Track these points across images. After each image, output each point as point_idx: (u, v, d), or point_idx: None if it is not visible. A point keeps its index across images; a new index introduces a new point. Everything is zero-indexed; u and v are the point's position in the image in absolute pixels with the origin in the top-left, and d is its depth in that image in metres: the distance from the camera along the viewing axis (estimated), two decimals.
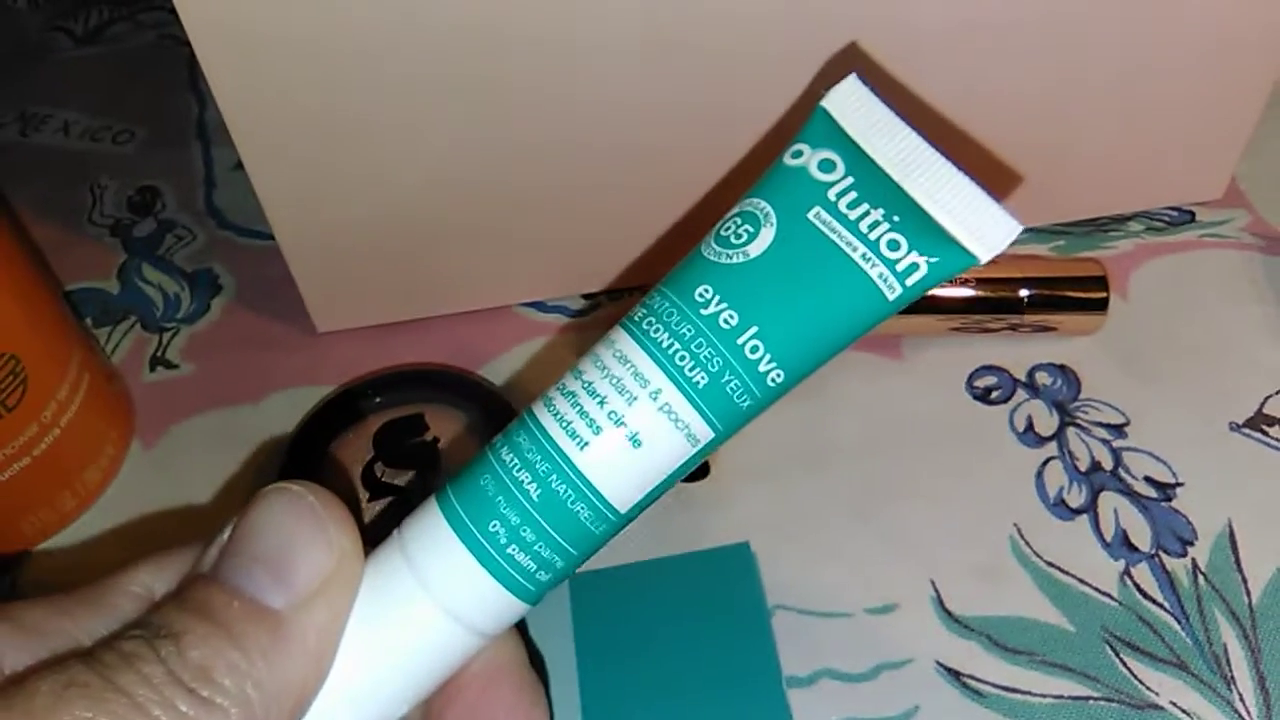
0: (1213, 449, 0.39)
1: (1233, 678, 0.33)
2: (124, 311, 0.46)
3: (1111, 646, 0.34)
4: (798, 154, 0.25)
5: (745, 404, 0.24)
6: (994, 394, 0.41)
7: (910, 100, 0.38)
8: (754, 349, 0.24)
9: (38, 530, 0.38)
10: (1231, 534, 0.36)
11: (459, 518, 0.23)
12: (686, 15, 0.35)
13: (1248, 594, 0.35)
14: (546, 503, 0.23)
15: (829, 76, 0.36)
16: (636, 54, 0.36)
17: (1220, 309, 0.43)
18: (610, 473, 0.24)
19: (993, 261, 0.23)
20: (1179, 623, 0.34)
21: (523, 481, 0.23)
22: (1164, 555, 0.36)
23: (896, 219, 0.23)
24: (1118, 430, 0.39)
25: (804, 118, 0.26)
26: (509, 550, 0.23)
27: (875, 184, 0.24)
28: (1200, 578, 0.35)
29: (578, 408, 0.24)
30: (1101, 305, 0.41)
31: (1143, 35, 0.39)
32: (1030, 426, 0.40)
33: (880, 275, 0.24)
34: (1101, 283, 0.41)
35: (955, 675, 0.34)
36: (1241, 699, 0.33)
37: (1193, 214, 0.46)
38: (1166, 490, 0.38)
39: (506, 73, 0.36)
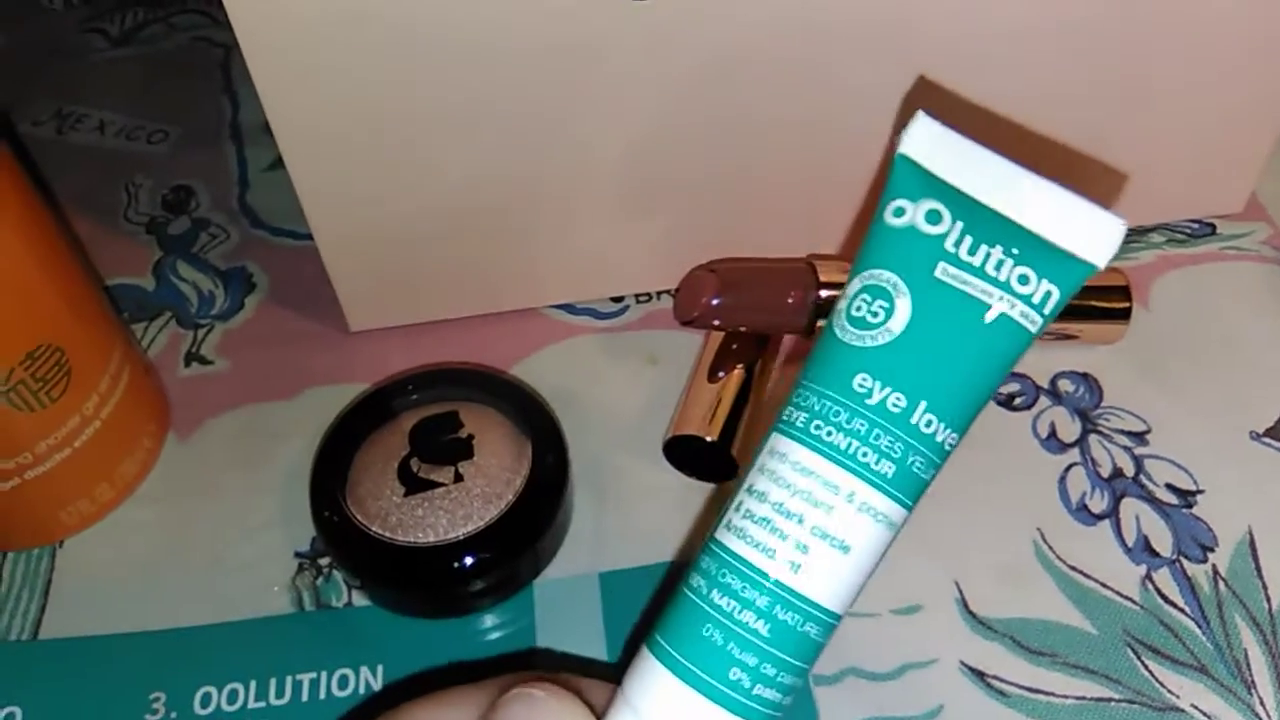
0: (1233, 457, 0.39)
1: (1253, 682, 0.34)
2: (159, 308, 0.46)
3: (1133, 649, 0.35)
4: (899, 212, 0.24)
5: (929, 475, 0.24)
6: (1017, 400, 0.41)
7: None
8: (928, 424, 0.23)
9: (76, 520, 0.39)
10: (1252, 541, 0.37)
11: (697, 676, 0.23)
12: (724, 27, 0.35)
13: (1268, 600, 0.35)
14: (778, 635, 0.23)
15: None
16: (674, 63, 0.36)
17: (1240, 320, 0.43)
18: (828, 585, 0.23)
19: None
20: (1200, 627, 0.35)
21: (748, 623, 0.23)
22: (1185, 561, 0.37)
23: (1016, 252, 0.23)
24: (1139, 438, 0.40)
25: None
26: (755, 691, 0.23)
27: (983, 221, 0.24)
28: (1221, 583, 0.36)
29: (778, 532, 0.23)
30: (1124, 315, 0.41)
31: (1164, 50, 0.39)
32: (1053, 433, 0.40)
33: (1021, 314, 0.24)
34: (1125, 292, 0.41)
35: (979, 676, 0.34)
36: (1262, 703, 0.33)
37: (1213, 226, 0.47)
38: (1187, 497, 0.38)
39: (544, 77, 0.36)
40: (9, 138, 0.34)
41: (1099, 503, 0.38)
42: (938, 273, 0.24)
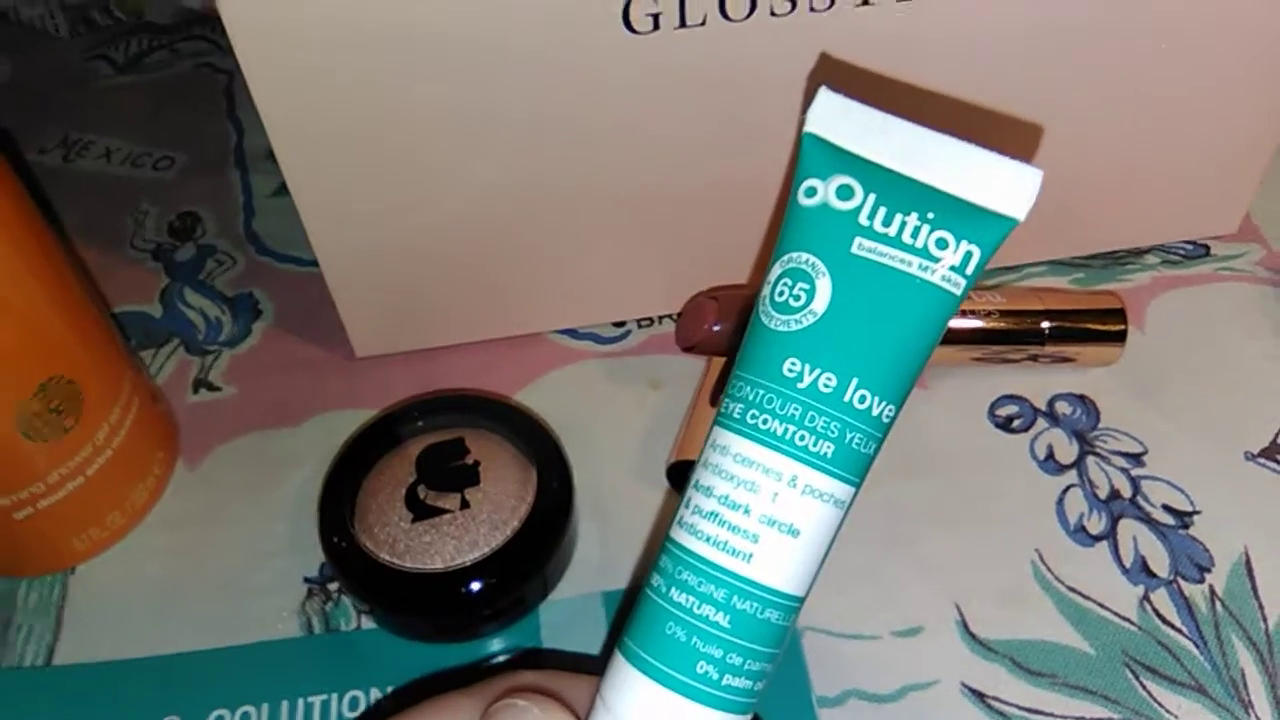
0: (1229, 478, 0.40)
1: (1250, 702, 0.34)
2: (167, 334, 0.47)
3: (1131, 670, 0.35)
4: (811, 191, 0.24)
5: (871, 449, 0.24)
6: (1015, 423, 0.42)
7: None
8: (862, 399, 0.24)
9: (88, 547, 0.39)
10: (1248, 561, 0.37)
11: (665, 674, 0.24)
12: (729, 53, 0.36)
13: (1264, 620, 0.36)
14: (739, 625, 0.24)
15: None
16: (678, 91, 0.37)
17: (1235, 341, 0.44)
18: (782, 570, 0.24)
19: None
20: (1197, 648, 0.35)
21: (709, 616, 0.23)
22: (1182, 581, 0.37)
23: (931, 215, 0.23)
24: (1136, 459, 0.40)
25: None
26: (724, 682, 0.24)
27: (896, 189, 0.24)
28: (1218, 604, 0.36)
29: (726, 525, 0.24)
30: (1120, 337, 0.42)
31: (1158, 71, 0.40)
32: (1051, 455, 0.41)
33: (943, 277, 0.24)
34: (1120, 315, 0.42)
35: (980, 697, 0.35)
36: None
37: (1208, 248, 0.47)
38: (1184, 518, 0.39)
39: (547, 106, 0.37)
40: (15, 165, 0.35)
41: (1097, 524, 0.39)
42: (854, 248, 0.24)
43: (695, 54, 0.36)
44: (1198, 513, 0.39)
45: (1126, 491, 0.39)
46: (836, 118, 0.24)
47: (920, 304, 0.24)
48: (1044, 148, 0.41)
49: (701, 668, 0.24)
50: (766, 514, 0.24)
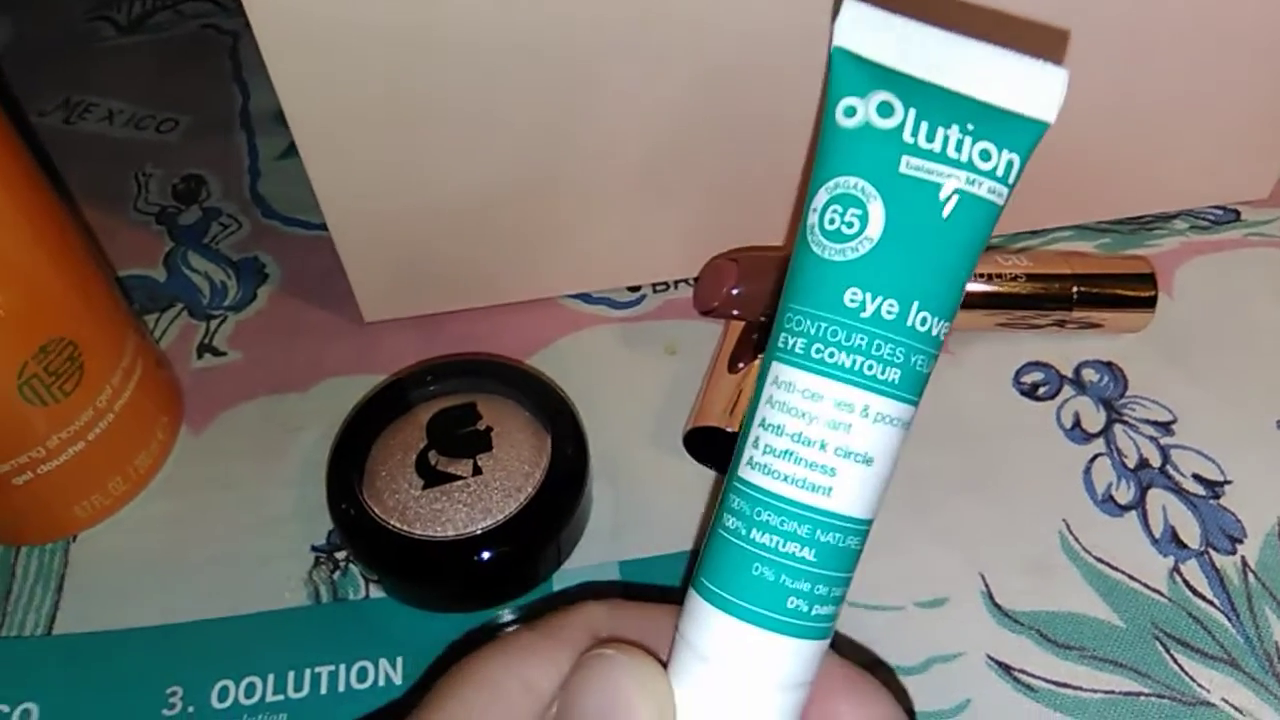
0: (1260, 447, 0.39)
1: None
2: (171, 299, 0.46)
3: (1161, 643, 0.34)
4: (850, 111, 0.23)
5: (929, 368, 0.24)
6: (1041, 390, 0.41)
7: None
8: (923, 322, 0.23)
9: (90, 514, 0.38)
10: None
11: (757, 614, 0.23)
12: (746, 17, 0.35)
13: None
14: (825, 557, 0.23)
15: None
16: (686, 50, 0.36)
17: (1266, 308, 0.43)
18: (860, 498, 0.23)
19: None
20: (1229, 620, 0.34)
21: (795, 553, 0.23)
22: (1213, 552, 0.36)
23: (971, 127, 0.23)
24: (1165, 428, 0.39)
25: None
26: (814, 612, 0.24)
27: (933, 101, 0.23)
28: (1250, 575, 0.35)
29: (803, 462, 0.23)
30: (1149, 303, 0.41)
31: (1190, 35, 0.39)
32: (1078, 423, 0.40)
33: (989, 190, 0.23)
34: (1150, 280, 0.41)
35: (1006, 669, 0.34)
36: None
37: (1238, 213, 0.46)
38: (1215, 488, 0.38)
39: (559, 68, 0.36)
40: (18, 126, 0.34)
41: (1125, 494, 0.38)
42: (903, 168, 0.23)
43: (715, 13, 0.35)
44: (1229, 482, 0.38)
45: (1156, 460, 0.38)
46: (864, 29, 0.24)
47: (970, 219, 0.23)
48: (1071, 109, 0.39)
49: (792, 603, 0.23)
50: (842, 446, 0.23)
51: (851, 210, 0.23)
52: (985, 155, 0.23)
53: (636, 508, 0.38)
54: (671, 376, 0.42)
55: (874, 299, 0.23)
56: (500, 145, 0.38)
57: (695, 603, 0.24)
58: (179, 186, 0.50)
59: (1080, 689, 0.33)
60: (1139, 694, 0.33)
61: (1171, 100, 0.41)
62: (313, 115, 0.36)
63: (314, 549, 0.38)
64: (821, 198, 0.24)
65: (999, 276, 0.40)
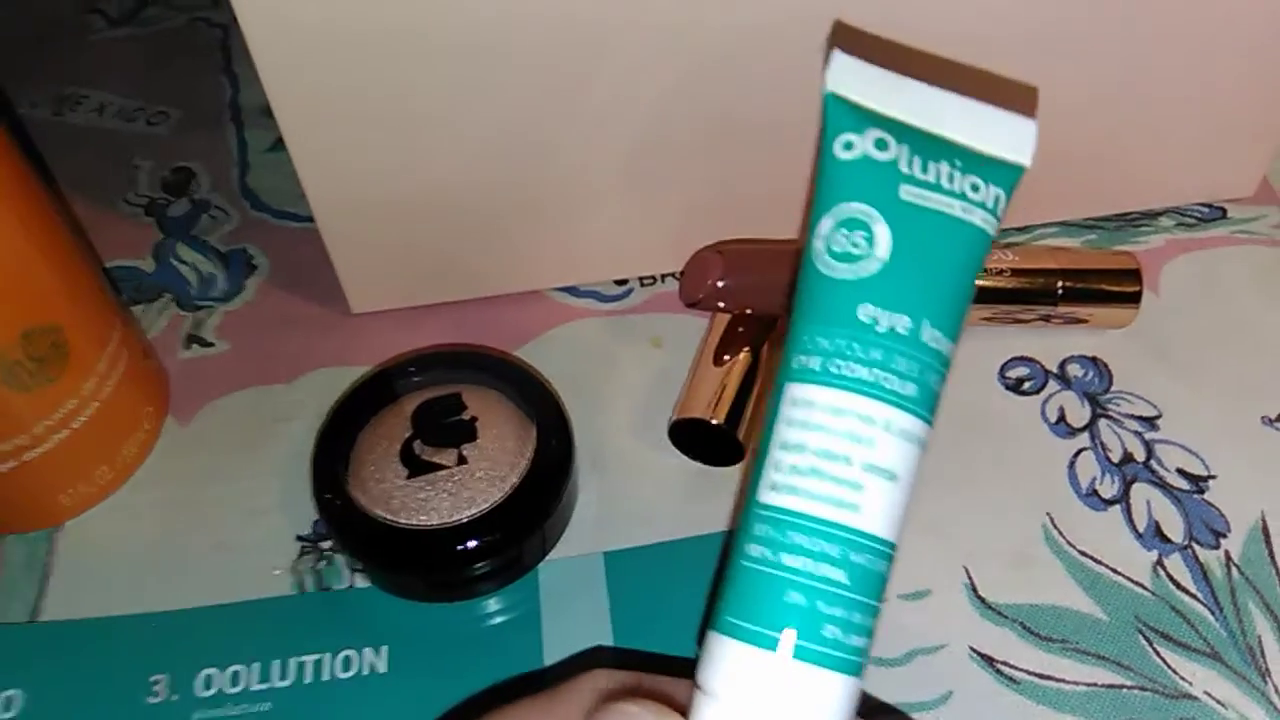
0: (1244, 442, 0.39)
1: (1268, 669, 0.33)
2: (159, 289, 0.46)
3: (1145, 636, 0.34)
4: (848, 145, 0.25)
5: (941, 386, 0.24)
6: (1026, 385, 0.41)
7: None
8: (934, 338, 0.24)
9: (75, 503, 0.38)
10: (1265, 526, 0.36)
11: (798, 646, 0.22)
12: (732, 10, 0.35)
13: None
14: (858, 579, 0.23)
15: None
16: (672, 44, 0.36)
17: (1251, 305, 0.43)
18: (886, 517, 0.23)
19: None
20: (1213, 614, 0.35)
21: (829, 575, 0.23)
22: (1197, 546, 0.36)
23: (958, 163, 0.25)
24: (1149, 423, 0.39)
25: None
26: (850, 642, 0.23)
27: (920, 142, 0.25)
28: (1234, 569, 0.36)
29: (830, 478, 0.23)
30: (1135, 299, 0.41)
31: (1177, 32, 0.39)
32: (1062, 417, 0.40)
33: (982, 219, 0.25)
34: (1136, 276, 0.41)
35: (989, 662, 0.34)
36: (1277, 690, 0.33)
37: (1224, 210, 0.46)
38: (1199, 482, 0.38)
39: (546, 59, 0.36)
40: (6, 116, 0.34)
41: (1109, 488, 0.38)
42: (903, 194, 0.24)
43: (702, 6, 0.35)
44: (1213, 477, 0.38)
45: (1140, 455, 0.39)
46: (853, 78, 0.25)
47: (966, 244, 0.25)
48: (1057, 106, 0.39)
49: (829, 631, 0.23)
50: (867, 461, 0.23)
51: (858, 233, 0.24)
52: (975, 188, 0.25)
53: (621, 499, 0.38)
54: (657, 369, 0.42)
55: (887, 315, 0.24)
56: (488, 138, 0.38)
57: (720, 645, 0.23)
58: (168, 179, 0.50)
59: (1063, 681, 0.33)
60: (1122, 687, 0.33)
61: (1158, 97, 0.41)
62: (299, 109, 0.36)
63: (299, 539, 0.38)
64: (827, 223, 0.25)
65: (985, 271, 0.40)
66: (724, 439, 0.37)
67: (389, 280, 0.43)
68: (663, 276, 0.45)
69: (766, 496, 0.24)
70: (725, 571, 0.24)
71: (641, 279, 0.45)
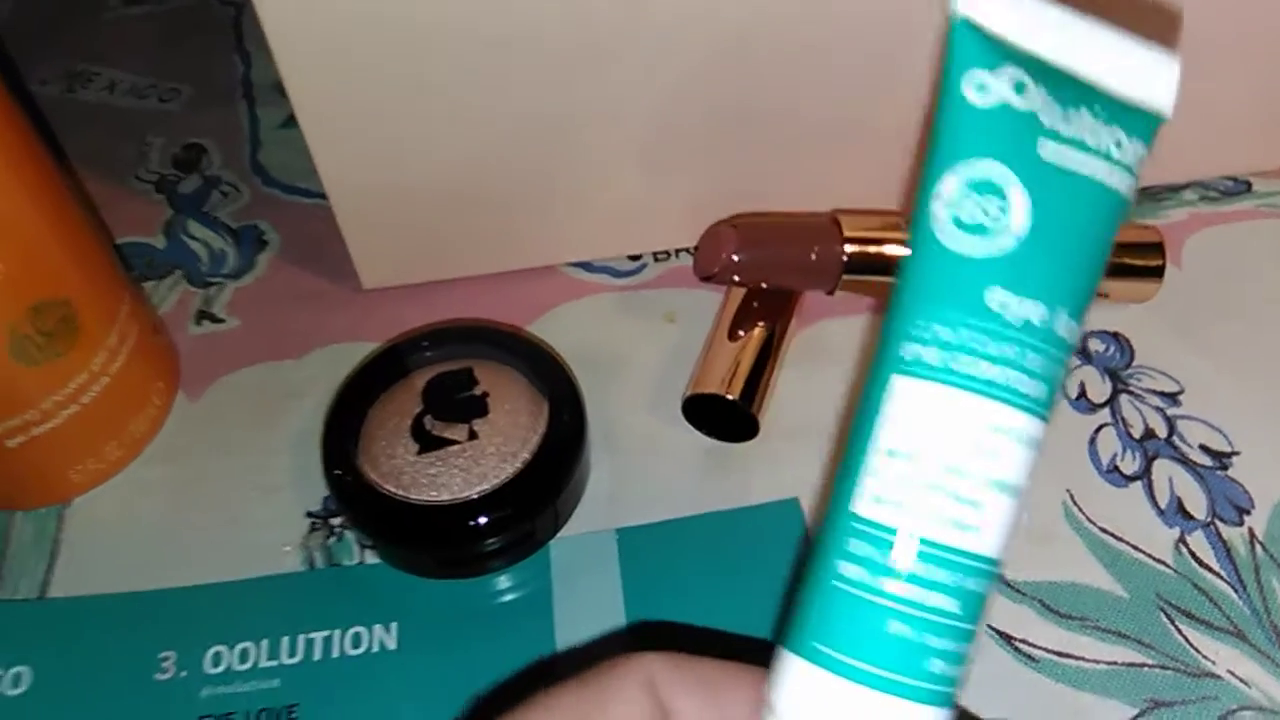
0: (1269, 418, 0.38)
1: None
2: (170, 266, 0.46)
3: (1166, 614, 0.34)
4: (983, 87, 0.20)
5: (1062, 381, 0.21)
6: None
7: None
8: (1068, 329, 0.20)
9: (85, 479, 0.38)
10: None
11: (900, 684, 0.20)
12: None
13: None
14: (968, 608, 0.20)
15: None
16: (690, 22, 0.35)
17: (1276, 279, 0.42)
18: (1002, 535, 0.20)
19: None
20: (1236, 592, 0.34)
21: (940, 606, 0.20)
22: (1220, 524, 0.35)
23: (1099, 112, 0.20)
24: (1171, 398, 0.39)
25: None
26: (953, 675, 0.20)
27: (1060, 85, 0.20)
28: (1258, 547, 0.35)
29: (949, 494, 0.20)
30: (1157, 273, 0.40)
31: (1203, 4, 0.38)
32: (1083, 393, 0.39)
33: (1125, 183, 0.21)
34: (1158, 249, 0.40)
35: (1008, 639, 0.33)
36: None
37: (1249, 184, 0.46)
38: (1222, 459, 0.37)
39: (565, 32, 0.35)
40: (17, 90, 0.34)
41: (1130, 464, 0.37)
42: (1042, 153, 0.20)
43: None
44: (1236, 454, 0.37)
45: (1162, 431, 0.38)
46: (986, 1, 0.21)
47: (1108, 215, 0.21)
48: None
49: (936, 666, 0.20)
50: (991, 475, 0.20)
51: (991, 199, 0.20)
52: (1119, 145, 0.21)
53: (634, 475, 0.38)
54: (671, 344, 0.41)
55: (1021, 301, 0.20)
56: (502, 113, 0.38)
57: (801, 671, 0.21)
58: (179, 155, 0.50)
59: (1083, 659, 0.33)
60: (1143, 665, 0.33)
61: (1183, 69, 0.40)
62: (312, 85, 0.36)
63: (309, 515, 0.37)
64: (951, 183, 0.20)
65: None
66: (739, 415, 0.37)
67: (400, 256, 0.43)
68: (677, 251, 0.44)
69: (867, 509, 0.20)
70: (808, 584, 0.21)
71: (655, 254, 0.44)
